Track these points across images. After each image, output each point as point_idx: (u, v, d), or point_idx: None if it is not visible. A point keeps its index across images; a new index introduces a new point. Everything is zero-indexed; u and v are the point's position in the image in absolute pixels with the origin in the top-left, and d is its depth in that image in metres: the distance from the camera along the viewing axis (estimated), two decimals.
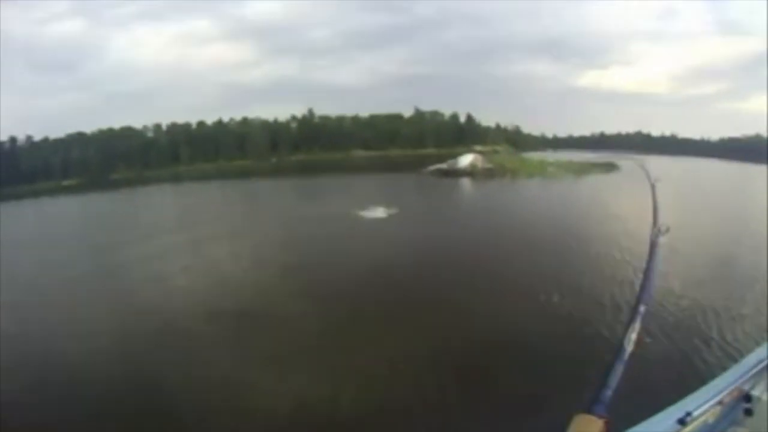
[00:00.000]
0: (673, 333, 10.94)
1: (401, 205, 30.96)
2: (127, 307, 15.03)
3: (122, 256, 22.06)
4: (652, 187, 6.99)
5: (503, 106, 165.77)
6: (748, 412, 2.45)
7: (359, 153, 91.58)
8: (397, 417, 8.31)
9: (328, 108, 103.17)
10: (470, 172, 53.58)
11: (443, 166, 56.03)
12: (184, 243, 24.51)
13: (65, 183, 77.44)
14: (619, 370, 1.88)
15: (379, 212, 29.26)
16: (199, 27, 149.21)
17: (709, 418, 2.26)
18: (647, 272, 2.63)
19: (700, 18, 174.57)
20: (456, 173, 53.17)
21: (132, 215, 38.66)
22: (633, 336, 2.06)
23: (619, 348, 2.01)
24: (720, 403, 2.32)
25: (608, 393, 1.78)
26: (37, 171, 79.58)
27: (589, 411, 1.70)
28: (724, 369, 2.60)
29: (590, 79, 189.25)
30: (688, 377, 8.58)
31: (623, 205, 30.32)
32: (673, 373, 8.84)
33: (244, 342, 11.79)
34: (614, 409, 1.77)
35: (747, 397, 2.48)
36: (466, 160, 56.98)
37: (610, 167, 54.03)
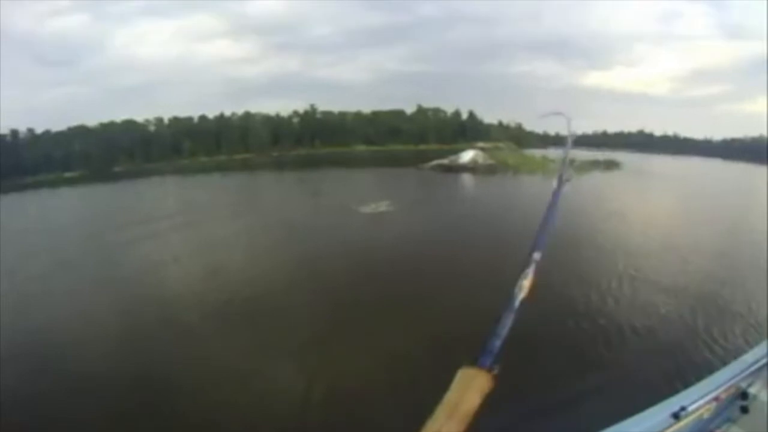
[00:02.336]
0: None
1: (401, 199, 30.91)
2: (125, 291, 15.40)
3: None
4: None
5: (506, 104, 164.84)
6: (744, 410, 2.43)
7: (361, 148, 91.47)
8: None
9: (330, 104, 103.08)
10: (471, 168, 53.40)
11: (444, 161, 55.78)
12: (182, 228, 24.86)
13: (67, 175, 77.79)
14: (508, 319, 1.74)
15: (380, 207, 29.18)
16: (202, 23, 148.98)
17: (705, 413, 2.25)
18: (546, 218, 2.32)
19: (704, 21, 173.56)
20: (457, 169, 53.01)
21: (132, 205, 38.92)
22: (525, 282, 1.90)
23: (509, 296, 1.85)
24: (716, 399, 2.30)
25: (497, 343, 1.65)
26: (39, 163, 79.63)
27: (474, 363, 1.56)
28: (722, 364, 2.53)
29: (594, 79, 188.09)
30: None
31: (623, 203, 30.55)
32: None
33: (229, 328, 12.00)
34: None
35: (743, 395, 2.47)
36: (467, 155, 56.84)
37: (611, 165, 53.89)
